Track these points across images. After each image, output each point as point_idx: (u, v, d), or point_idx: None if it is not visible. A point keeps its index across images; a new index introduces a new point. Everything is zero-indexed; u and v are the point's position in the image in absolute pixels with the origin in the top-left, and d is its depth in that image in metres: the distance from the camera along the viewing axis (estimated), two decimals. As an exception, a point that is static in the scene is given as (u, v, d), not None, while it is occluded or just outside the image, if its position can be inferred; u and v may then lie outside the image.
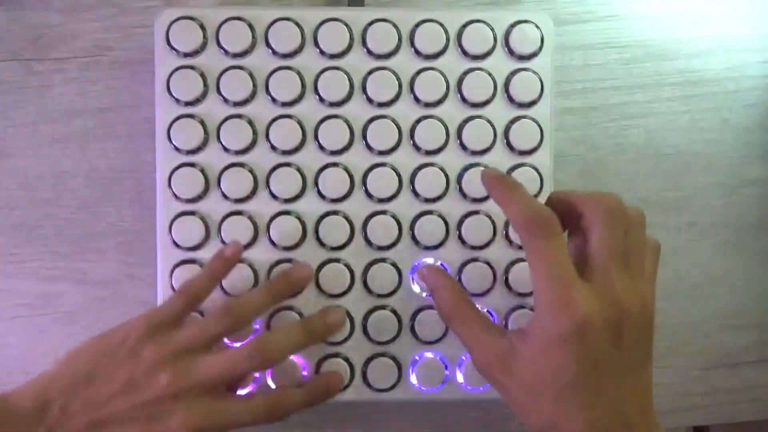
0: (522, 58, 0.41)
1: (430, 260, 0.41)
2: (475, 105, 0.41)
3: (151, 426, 0.34)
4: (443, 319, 0.37)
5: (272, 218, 0.40)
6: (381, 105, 0.40)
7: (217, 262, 0.38)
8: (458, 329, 0.35)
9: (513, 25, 0.40)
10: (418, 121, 0.40)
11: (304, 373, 0.40)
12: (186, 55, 0.40)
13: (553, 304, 0.31)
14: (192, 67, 0.40)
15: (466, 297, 0.36)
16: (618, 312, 0.31)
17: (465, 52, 0.40)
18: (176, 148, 0.40)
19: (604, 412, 0.31)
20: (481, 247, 0.41)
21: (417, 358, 0.41)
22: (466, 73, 0.40)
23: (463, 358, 0.41)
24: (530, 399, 0.32)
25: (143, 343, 0.35)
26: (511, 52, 0.40)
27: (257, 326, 0.40)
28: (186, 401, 0.34)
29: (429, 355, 0.41)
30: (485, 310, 0.41)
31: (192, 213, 0.40)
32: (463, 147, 0.41)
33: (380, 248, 0.41)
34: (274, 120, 0.40)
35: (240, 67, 0.40)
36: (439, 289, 0.37)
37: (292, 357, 0.40)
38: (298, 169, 0.40)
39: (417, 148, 0.40)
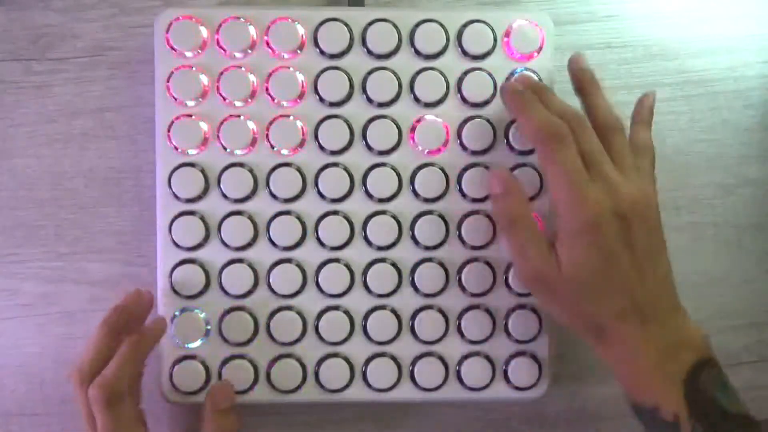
0: (522, 58, 0.41)
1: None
2: (475, 105, 0.41)
3: None
4: (503, 224, 0.38)
5: (272, 218, 0.40)
6: (381, 105, 0.40)
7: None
8: (516, 237, 0.37)
9: (513, 25, 0.40)
10: (418, 121, 0.40)
11: (256, 327, 0.41)
12: (186, 55, 0.40)
13: (568, 203, 0.35)
14: (192, 67, 0.40)
15: (519, 203, 0.38)
16: (623, 201, 0.35)
17: (465, 52, 0.40)
18: (176, 148, 0.40)
19: (629, 295, 0.35)
20: (481, 247, 0.41)
21: (417, 358, 0.41)
22: (466, 73, 0.40)
23: (463, 358, 0.41)
24: (574, 297, 0.35)
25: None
26: (511, 52, 0.40)
27: (257, 326, 0.40)
28: None
29: (429, 355, 0.41)
30: (483, 310, 0.41)
31: (192, 213, 0.40)
32: (464, 147, 0.41)
33: (380, 248, 0.41)
34: (274, 120, 0.40)
35: (240, 67, 0.40)
36: (505, 193, 0.38)
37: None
38: (298, 169, 0.40)
39: (417, 148, 0.40)
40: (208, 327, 0.40)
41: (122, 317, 0.37)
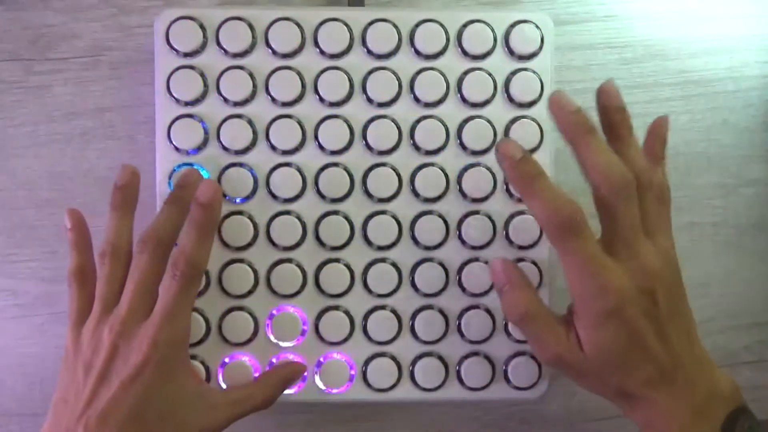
0: (522, 58, 0.41)
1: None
2: (475, 105, 0.41)
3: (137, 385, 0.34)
4: (513, 318, 0.36)
5: (272, 218, 0.40)
6: (381, 105, 0.40)
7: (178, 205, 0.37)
8: (531, 328, 0.36)
9: (513, 25, 0.40)
10: (418, 121, 0.40)
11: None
12: (186, 55, 0.40)
13: (588, 292, 0.33)
14: (192, 67, 0.40)
15: (537, 294, 0.36)
16: (647, 279, 0.34)
17: (465, 52, 0.40)
18: (176, 148, 0.40)
19: (656, 363, 0.34)
20: (481, 247, 0.41)
21: (417, 358, 0.41)
22: (466, 73, 0.40)
23: (463, 358, 0.41)
24: (600, 374, 0.34)
25: (100, 332, 0.35)
26: (511, 52, 0.40)
27: (257, 326, 0.40)
28: (157, 358, 0.34)
29: (429, 355, 0.41)
30: (483, 310, 0.41)
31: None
32: (463, 147, 0.41)
33: (380, 248, 0.41)
34: (274, 120, 0.40)
35: (240, 67, 0.40)
36: (509, 286, 0.36)
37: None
38: (298, 169, 0.40)
39: (417, 148, 0.40)
40: (209, 327, 0.40)
41: (130, 195, 0.38)
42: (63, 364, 0.36)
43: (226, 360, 0.40)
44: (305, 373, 0.40)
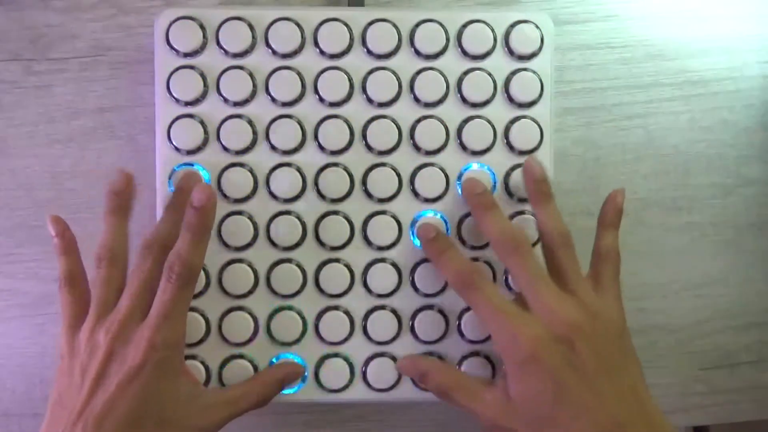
0: (522, 58, 0.41)
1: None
2: (475, 105, 0.41)
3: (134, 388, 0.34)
4: (440, 395, 0.38)
5: (272, 218, 0.40)
6: (381, 105, 0.40)
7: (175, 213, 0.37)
8: (459, 401, 0.37)
9: (513, 25, 0.40)
10: (418, 121, 0.40)
11: (256, 327, 0.40)
12: (186, 55, 0.40)
13: (503, 341, 0.34)
14: (192, 67, 0.40)
15: (454, 368, 0.39)
16: (563, 328, 0.34)
17: (465, 52, 0.40)
18: (176, 148, 0.40)
19: (591, 419, 0.33)
20: (481, 247, 0.41)
21: (417, 358, 0.41)
22: (466, 73, 0.40)
23: (463, 358, 0.41)
24: (535, 430, 0.34)
25: (97, 335, 0.35)
26: (511, 52, 0.40)
27: (256, 326, 0.40)
28: (154, 360, 0.34)
29: (429, 355, 0.41)
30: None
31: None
32: (463, 147, 0.41)
33: (380, 248, 0.41)
34: (274, 120, 0.40)
35: (240, 67, 0.40)
36: (428, 373, 0.38)
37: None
38: (298, 169, 0.40)
39: (417, 148, 0.40)
40: (208, 327, 0.40)
41: (125, 200, 0.38)
42: (59, 368, 0.36)
43: (226, 359, 0.40)
44: (305, 373, 0.40)
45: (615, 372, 0.34)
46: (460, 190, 0.40)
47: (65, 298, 0.37)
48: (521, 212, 0.41)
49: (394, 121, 0.40)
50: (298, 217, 0.40)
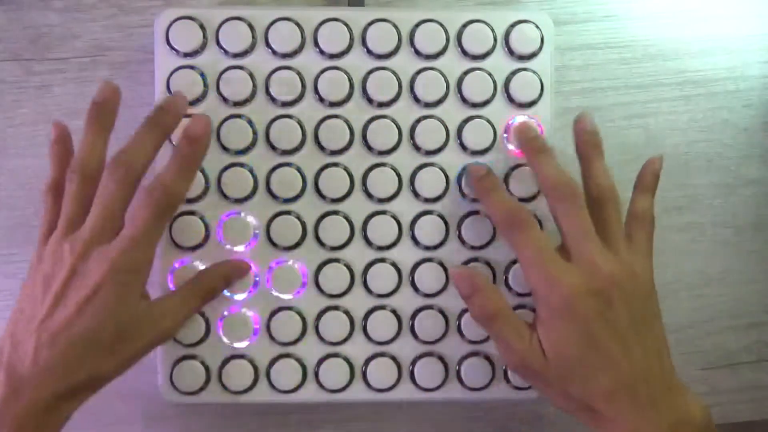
0: (522, 58, 0.41)
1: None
2: (475, 105, 0.41)
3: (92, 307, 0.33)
4: (483, 319, 0.37)
5: (272, 218, 0.40)
6: (381, 105, 0.40)
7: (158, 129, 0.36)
8: (498, 329, 0.36)
9: (513, 25, 0.40)
10: (418, 121, 0.40)
11: (256, 326, 0.40)
12: (186, 55, 0.40)
13: (541, 285, 0.35)
14: (192, 67, 0.40)
15: (503, 296, 0.37)
16: (601, 281, 0.34)
17: (465, 52, 0.40)
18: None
19: (616, 373, 0.34)
20: (481, 247, 0.41)
21: (417, 358, 0.41)
22: (466, 73, 0.40)
23: (463, 358, 0.41)
24: (561, 380, 0.35)
25: (62, 250, 0.34)
26: (511, 52, 0.40)
27: (257, 326, 0.40)
28: (113, 282, 0.33)
29: (429, 355, 0.41)
30: None
31: (192, 213, 0.40)
32: (463, 147, 0.41)
33: (380, 248, 0.41)
34: (274, 120, 0.40)
35: (240, 67, 0.40)
36: (476, 291, 0.37)
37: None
38: (298, 169, 0.40)
39: (417, 148, 0.40)
40: (209, 327, 0.40)
41: (108, 113, 0.37)
42: (27, 275, 0.35)
43: (226, 359, 0.40)
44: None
45: (643, 330, 0.35)
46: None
47: (46, 205, 0.36)
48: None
49: (394, 121, 0.40)
50: (298, 217, 0.40)
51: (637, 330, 0.34)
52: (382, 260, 0.41)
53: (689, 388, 0.35)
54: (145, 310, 0.35)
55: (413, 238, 0.41)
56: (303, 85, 0.40)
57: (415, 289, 0.41)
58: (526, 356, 0.35)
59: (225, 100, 0.40)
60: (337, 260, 0.41)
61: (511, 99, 0.40)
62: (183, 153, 0.36)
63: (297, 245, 0.40)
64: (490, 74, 0.40)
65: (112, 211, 0.34)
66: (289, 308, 0.40)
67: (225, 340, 0.40)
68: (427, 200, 0.41)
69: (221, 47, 0.40)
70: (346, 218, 0.40)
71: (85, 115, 0.36)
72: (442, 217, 0.41)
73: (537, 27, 0.40)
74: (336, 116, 0.40)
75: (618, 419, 0.33)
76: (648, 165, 0.40)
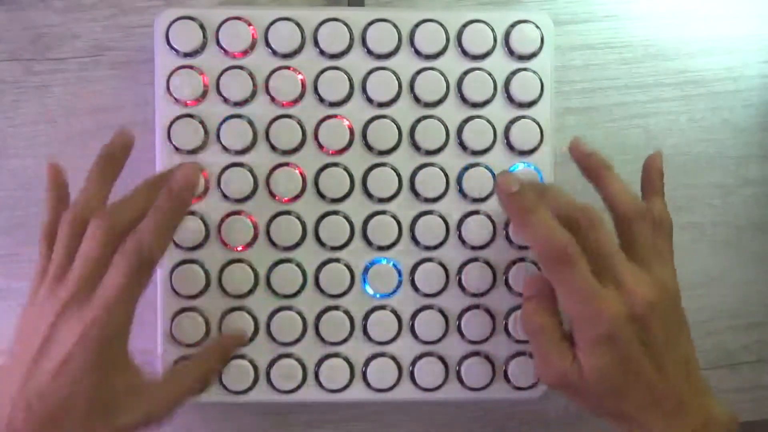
0: (522, 58, 0.41)
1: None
2: (475, 105, 0.41)
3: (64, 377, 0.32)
4: (527, 328, 0.37)
5: (272, 218, 0.40)
6: (381, 105, 0.40)
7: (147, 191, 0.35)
8: (539, 343, 0.36)
9: (513, 25, 0.40)
10: (418, 121, 0.40)
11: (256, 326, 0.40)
12: (186, 55, 0.40)
13: (581, 318, 0.34)
14: (192, 67, 0.40)
15: (545, 310, 0.36)
16: (640, 307, 0.34)
17: (465, 52, 0.40)
18: (176, 148, 0.40)
19: (650, 388, 0.34)
20: (481, 247, 0.41)
21: (417, 358, 0.41)
22: (466, 73, 0.40)
23: (463, 358, 0.41)
24: (598, 397, 0.35)
25: (46, 304, 0.33)
26: (511, 52, 0.40)
27: (257, 326, 0.40)
28: (86, 352, 0.31)
29: (429, 355, 0.41)
30: (483, 310, 0.41)
31: (191, 213, 0.40)
32: (463, 147, 0.41)
33: (380, 248, 0.41)
34: (274, 120, 0.40)
35: (240, 67, 0.40)
36: (531, 298, 0.37)
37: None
38: (298, 170, 0.40)
39: (417, 148, 0.40)
40: (208, 327, 0.40)
41: (115, 164, 0.36)
42: (20, 315, 0.34)
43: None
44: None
45: (674, 342, 0.35)
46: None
47: (40, 249, 0.35)
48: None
49: (394, 121, 0.40)
50: (298, 217, 0.40)
51: (670, 345, 0.35)
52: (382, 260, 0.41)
53: (714, 394, 0.36)
54: (129, 385, 0.33)
55: (413, 237, 0.41)
56: (303, 85, 0.40)
57: (415, 289, 0.41)
58: (565, 374, 0.35)
59: (225, 100, 0.40)
60: (337, 260, 0.41)
61: (511, 99, 0.40)
62: (163, 208, 0.33)
63: (297, 245, 0.40)
64: (490, 74, 0.40)
65: (93, 269, 0.32)
66: (289, 308, 0.40)
67: (225, 340, 0.40)
68: (427, 200, 0.41)
69: (221, 47, 0.40)
70: (346, 218, 0.40)
71: (94, 160, 0.36)
72: (442, 217, 0.41)
73: (537, 27, 0.40)
74: (336, 116, 0.40)
75: (647, 425, 0.34)
76: (650, 164, 0.39)
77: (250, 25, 0.39)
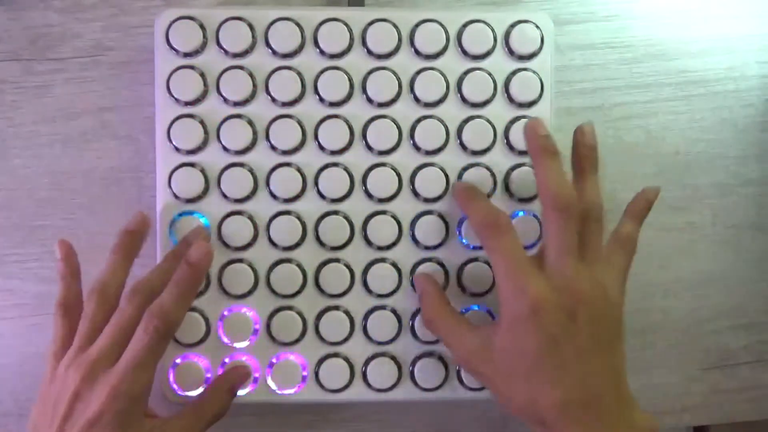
0: (522, 58, 0.41)
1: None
2: (475, 105, 0.41)
3: None
4: (425, 323, 0.39)
5: (272, 218, 0.40)
6: (381, 105, 0.40)
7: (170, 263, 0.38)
8: (439, 331, 0.38)
9: (513, 25, 0.40)
10: (418, 121, 0.40)
11: (256, 326, 0.40)
12: (186, 55, 0.40)
13: (509, 291, 0.35)
14: (192, 67, 0.40)
15: (445, 301, 0.39)
16: (570, 296, 0.34)
17: (465, 52, 0.40)
18: (176, 148, 0.40)
19: (571, 387, 0.34)
20: (481, 247, 0.41)
21: (417, 358, 0.41)
22: (466, 73, 0.40)
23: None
24: (508, 382, 0.35)
25: (70, 371, 0.35)
26: (511, 52, 0.40)
27: (257, 326, 0.40)
28: (114, 409, 0.34)
29: (429, 355, 0.41)
30: (485, 310, 0.41)
31: (192, 213, 0.40)
32: (463, 147, 0.41)
33: (380, 248, 0.41)
34: (274, 120, 0.40)
35: (240, 67, 0.40)
36: (421, 296, 0.39)
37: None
38: (298, 169, 0.40)
39: (417, 148, 0.40)
40: (209, 327, 0.40)
41: (135, 241, 0.38)
42: (40, 390, 0.36)
43: (227, 360, 0.40)
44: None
45: (604, 350, 0.35)
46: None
47: (56, 323, 0.37)
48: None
49: (394, 121, 0.40)
50: (298, 217, 0.40)
51: (597, 349, 0.34)
52: (382, 260, 0.41)
53: (638, 404, 0.35)
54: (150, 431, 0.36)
55: (413, 238, 0.41)
56: (303, 85, 0.40)
57: (415, 289, 0.41)
58: (469, 356, 0.36)
59: (225, 100, 0.40)
60: (337, 260, 0.41)
61: (511, 99, 0.40)
62: (184, 277, 0.36)
63: (297, 245, 0.40)
64: (490, 74, 0.40)
65: (124, 335, 0.35)
66: (289, 308, 0.40)
67: (225, 340, 0.40)
68: (427, 200, 0.41)
69: (221, 47, 0.40)
70: (346, 218, 0.40)
71: (114, 240, 0.38)
72: (442, 217, 0.41)
73: (537, 27, 0.40)
74: (336, 116, 0.40)
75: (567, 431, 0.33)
76: (643, 193, 0.40)
77: (250, 25, 0.40)
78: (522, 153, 0.41)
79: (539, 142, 0.37)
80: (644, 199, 0.40)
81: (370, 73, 0.40)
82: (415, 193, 0.41)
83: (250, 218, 0.40)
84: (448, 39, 0.40)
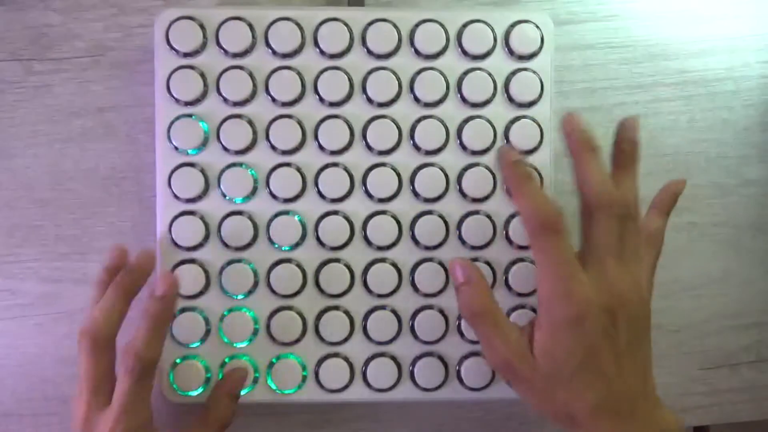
0: (522, 58, 0.41)
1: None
2: (475, 105, 0.41)
3: None
4: (468, 317, 0.36)
5: (272, 218, 0.40)
6: (381, 105, 0.40)
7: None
8: (484, 327, 0.35)
9: (513, 25, 0.40)
10: (418, 121, 0.40)
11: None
12: (186, 55, 0.40)
13: (552, 293, 0.34)
14: (192, 67, 0.40)
15: (491, 296, 0.36)
16: (613, 298, 0.34)
17: (465, 52, 0.40)
18: (176, 148, 0.40)
19: (605, 389, 0.33)
20: (481, 247, 0.41)
21: (417, 358, 0.41)
22: (466, 73, 0.40)
23: (463, 358, 0.41)
24: (547, 387, 0.34)
25: (77, 415, 0.36)
26: (511, 52, 0.40)
27: (257, 326, 0.40)
28: None
29: (429, 355, 0.41)
30: None
31: (192, 213, 0.40)
32: (463, 147, 0.41)
33: (380, 248, 0.41)
34: (274, 120, 0.40)
35: (240, 67, 0.40)
36: (466, 285, 0.36)
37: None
38: (298, 169, 0.40)
39: (417, 148, 0.40)
40: (209, 327, 0.40)
41: (135, 279, 0.38)
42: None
43: (227, 360, 0.40)
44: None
45: (639, 349, 0.35)
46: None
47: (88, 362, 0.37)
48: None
49: (394, 121, 0.40)
50: (298, 218, 0.40)
51: (631, 350, 0.34)
52: (382, 260, 0.41)
53: (662, 403, 0.35)
54: None
55: (413, 238, 0.41)
56: (303, 85, 0.40)
57: (415, 289, 0.41)
58: (511, 359, 0.34)
59: (225, 100, 0.40)
60: (337, 260, 0.41)
61: (511, 99, 0.40)
62: (152, 313, 0.36)
63: (297, 245, 0.40)
64: (490, 74, 0.40)
65: (97, 380, 0.36)
66: (289, 308, 0.40)
67: (225, 340, 0.40)
68: (427, 200, 0.41)
69: (221, 47, 0.40)
70: (346, 218, 0.40)
71: (116, 278, 0.38)
72: (442, 217, 0.41)
73: (537, 27, 0.40)
74: (336, 116, 0.40)
75: (595, 430, 0.33)
76: (671, 186, 0.40)
77: (250, 25, 0.40)
78: (523, 153, 0.41)
79: (579, 137, 0.36)
80: (671, 192, 0.39)
81: (370, 73, 0.40)
82: (415, 193, 0.41)
83: (251, 218, 0.40)
84: (448, 39, 0.40)
